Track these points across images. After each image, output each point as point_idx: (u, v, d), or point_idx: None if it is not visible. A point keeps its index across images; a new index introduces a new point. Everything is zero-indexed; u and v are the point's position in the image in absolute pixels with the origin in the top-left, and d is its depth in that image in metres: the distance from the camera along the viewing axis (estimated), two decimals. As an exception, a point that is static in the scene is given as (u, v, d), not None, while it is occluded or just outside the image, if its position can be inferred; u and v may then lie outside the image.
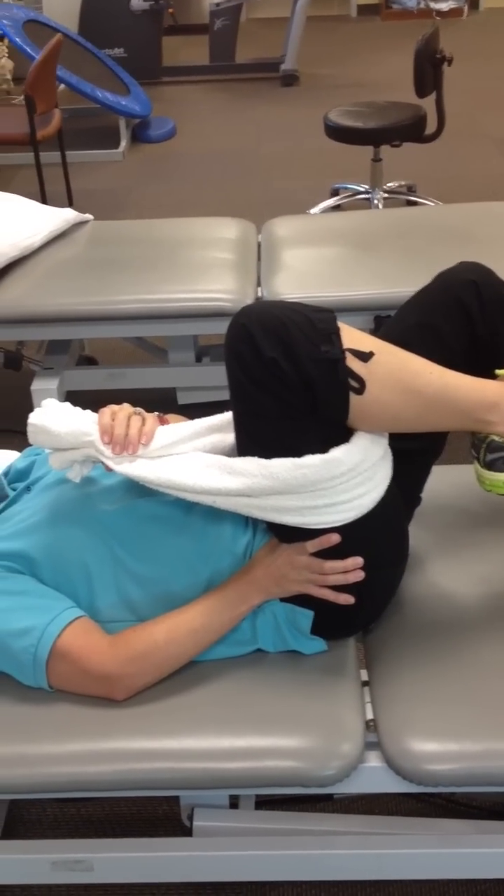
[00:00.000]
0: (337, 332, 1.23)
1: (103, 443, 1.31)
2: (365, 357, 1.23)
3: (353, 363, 1.23)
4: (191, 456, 1.32)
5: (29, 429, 1.35)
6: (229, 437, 1.36)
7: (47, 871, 1.32)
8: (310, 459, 1.23)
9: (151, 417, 1.36)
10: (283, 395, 1.22)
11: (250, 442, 1.28)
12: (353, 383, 1.22)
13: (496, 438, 1.32)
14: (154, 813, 1.64)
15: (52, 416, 1.34)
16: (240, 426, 1.30)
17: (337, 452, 1.24)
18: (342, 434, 1.27)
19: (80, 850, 1.34)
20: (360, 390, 1.23)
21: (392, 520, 1.36)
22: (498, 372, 1.35)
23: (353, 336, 1.25)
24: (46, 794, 1.31)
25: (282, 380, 1.20)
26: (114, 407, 1.36)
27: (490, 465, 1.34)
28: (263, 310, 1.24)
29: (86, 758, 1.24)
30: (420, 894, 1.52)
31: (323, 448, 1.24)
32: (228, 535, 1.36)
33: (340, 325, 1.25)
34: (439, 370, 1.29)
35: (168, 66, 6.11)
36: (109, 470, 1.33)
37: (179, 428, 1.36)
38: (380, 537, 1.34)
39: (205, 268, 2.47)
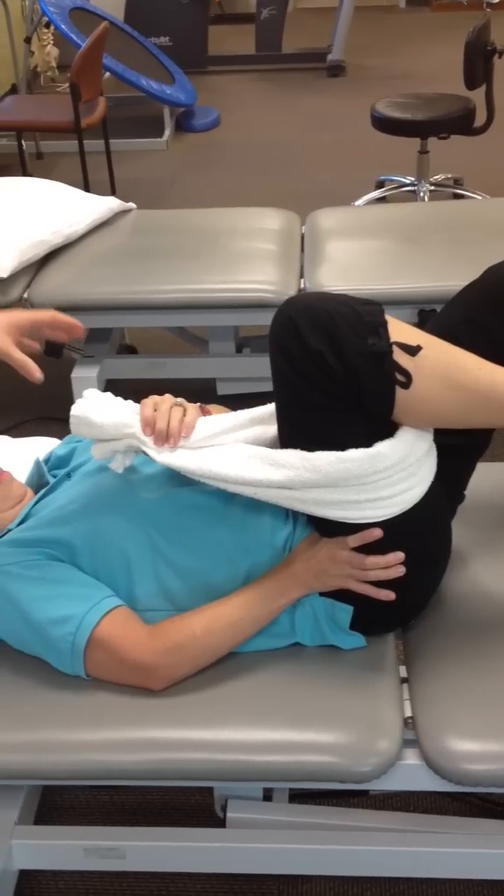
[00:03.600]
0: (384, 325, 1.21)
1: (145, 434, 1.31)
2: (413, 351, 1.21)
3: (400, 357, 1.21)
4: (233, 447, 1.31)
5: (71, 420, 1.35)
6: (271, 430, 1.35)
7: (80, 858, 1.33)
8: (353, 453, 1.22)
9: (193, 408, 1.35)
10: (329, 387, 1.20)
11: (294, 434, 1.27)
12: (400, 377, 1.20)
13: None
14: (187, 803, 1.64)
15: (94, 407, 1.34)
16: (283, 418, 1.29)
17: (381, 447, 1.23)
18: (387, 428, 1.25)
19: (113, 837, 1.34)
20: (407, 384, 1.21)
21: (435, 516, 1.35)
22: None
23: (400, 329, 1.23)
24: (81, 781, 1.31)
25: (327, 372, 1.19)
26: (156, 398, 1.35)
27: None
28: (310, 301, 1.22)
29: (121, 746, 1.24)
30: (454, 893, 1.50)
31: (367, 442, 1.23)
32: (268, 528, 1.36)
33: (388, 318, 1.23)
34: (489, 367, 1.26)
35: (213, 56, 6.10)
36: (152, 460, 1.32)
37: (221, 419, 1.35)
38: (422, 534, 1.32)
39: (247, 258, 2.45)
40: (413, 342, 1.22)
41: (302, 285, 2.37)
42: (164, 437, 1.30)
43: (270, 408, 1.36)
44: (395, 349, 1.20)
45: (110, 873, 1.52)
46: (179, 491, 1.37)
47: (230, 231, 2.60)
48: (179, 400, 1.36)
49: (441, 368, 1.24)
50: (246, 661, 1.31)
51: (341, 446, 1.22)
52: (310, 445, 1.24)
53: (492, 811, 1.58)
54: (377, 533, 1.25)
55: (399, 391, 1.21)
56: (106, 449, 1.35)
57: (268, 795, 1.41)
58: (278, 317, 1.23)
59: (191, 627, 1.29)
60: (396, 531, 1.26)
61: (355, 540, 1.26)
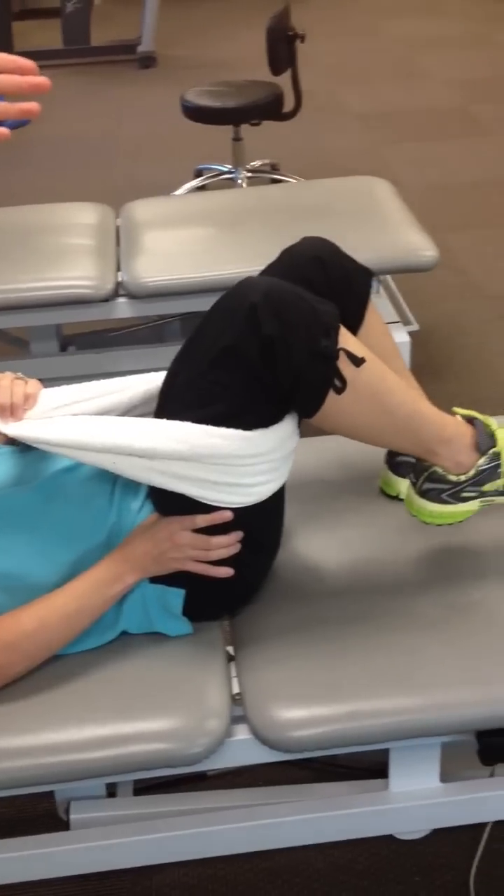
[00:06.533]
0: (337, 328, 1.22)
1: None
2: (357, 362, 1.23)
3: (343, 365, 1.22)
4: (89, 416, 1.30)
5: None
6: (123, 400, 1.35)
7: None
8: (225, 431, 1.21)
9: (34, 382, 1.34)
10: (259, 374, 1.20)
11: (182, 405, 1.25)
12: (337, 383, 1.22)
13: (438, 470, 1.35)
14: (34, 812, 1.61)
15: None
16: (188, 387, 1.27)
17: (254, 433, 1.23)
18: (272, 422, 1.26)
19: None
20: (340, 391, 1.22)
21: (279, 509, 1.38)
22: (455, 410, 1.38)
23: (348, 338, 1.25)
24: None
25: (266, 359, 1.18)
26: None
27: (424, 494, 1.38)
28: (272, 287, 1.22)
29: None
30: (305, 859, 1.54)
31: (247, 430, 1.23)
32: (89, 523, 1.34)
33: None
34: (413, 395, 1.33)
35: (20, 52, 5.87)
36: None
37: (66, 390, 1.34)
38: (264, 525, 1.35)
39: (62, 255, 2.42)
40: (358, 353, 1.24)
41: (119, 279, 2.36)
42: (8, 411, 1.29)
43: (120, 381, 1.36)
44: (342, 355, 1.22)
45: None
46: (-8, 497, 1.34)
47: (42, 228, 2.56)
48: (19, 374, 1.36)
49: (374, 386, 1.27)
50: (70, 660, 1.30)
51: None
52: (190, 419, 1.23)
53: (335, 774, 1.62)
54: (227, 515, 1.26)
55: (330, 395, 1.22)
56: None
57: (112, 792, 1.40)
58: (235, 295, 1.22)
59: (21, 624, 1.25)
60: (243, 518, 1.27)
61: (206, 520, 1.26)
